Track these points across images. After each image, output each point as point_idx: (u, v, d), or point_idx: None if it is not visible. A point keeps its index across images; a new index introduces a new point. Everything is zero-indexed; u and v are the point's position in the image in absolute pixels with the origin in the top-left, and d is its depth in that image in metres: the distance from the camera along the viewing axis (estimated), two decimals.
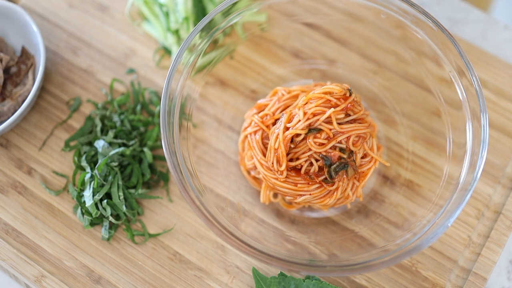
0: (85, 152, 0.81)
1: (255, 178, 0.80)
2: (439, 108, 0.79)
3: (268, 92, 0.83)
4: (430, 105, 0.83)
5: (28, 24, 0.85)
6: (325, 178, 0.71)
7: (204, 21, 0.72)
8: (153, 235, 0.79)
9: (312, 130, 0.70)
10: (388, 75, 0.86)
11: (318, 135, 0.70)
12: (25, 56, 0.86)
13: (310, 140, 0.70)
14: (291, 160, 0.72)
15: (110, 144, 0.81)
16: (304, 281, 0.73)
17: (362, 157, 0.73)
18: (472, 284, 0.76)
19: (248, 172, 0.80)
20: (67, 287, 0.76)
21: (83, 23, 0.92)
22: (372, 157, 0.74)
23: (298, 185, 0.71)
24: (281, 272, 0.74)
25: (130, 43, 0.91)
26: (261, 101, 0.78)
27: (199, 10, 0.89)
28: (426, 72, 0.80)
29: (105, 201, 0.77)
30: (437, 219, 0.68)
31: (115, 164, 0.79)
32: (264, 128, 0.74)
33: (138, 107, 0.85)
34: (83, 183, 0.79)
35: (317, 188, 0.71)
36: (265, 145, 0.74)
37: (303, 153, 0.71)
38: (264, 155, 0.74)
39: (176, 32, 0.88)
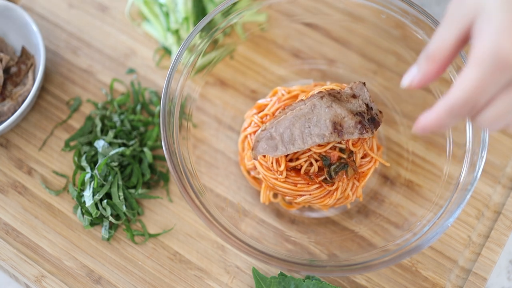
0: (85, 152, 0.82)
1: (255, 178, 0.80)
2: None
3: (268, 92, 0.83)
4: (430, 105, 0.81)
5: (28, 24, 0.85)
6: (325, 178, 0.71)
7: (204, 21, 0.72)
8: (153, 235, 0.79)
9: None
10: (388, 75, 0.86)
11: None
12: (25, 56, 0.86)
13: None
14: (290, 160, 0.72)
15: (110, 144, 0.81)
16: (304, 281, 0.73)
17: (362, 157, 0.73)
18: (472, 284, 0.76)
19: (248, 172, 0.80)
20: (67, 287, 0.76)
21: (83, 23, 0.92)
22: (372, 157, 0.74)
23: (298, 185, 0.71)
24: (281, 272, 0.74)
25: (130, 43, 0.91)
26: (261, 101, 0.78)
27: (199, 10, 0.89)
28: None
29: (105, 201, 0.77)
30: (437, 219, 0.68)
31: (115, 164, 0.79)
32: None
33: (138, 107, 0.85)
34: (83, 183, 0.79)
35: (317, 188, 0.71)
36: None
37: (303, 153, 0.71)
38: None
39: (176, 32, 0.88)
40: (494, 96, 0.52)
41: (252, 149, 0.69)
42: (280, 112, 0.69)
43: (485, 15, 0.50)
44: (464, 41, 0.54)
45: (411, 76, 0.58)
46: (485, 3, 0.51)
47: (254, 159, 0.70)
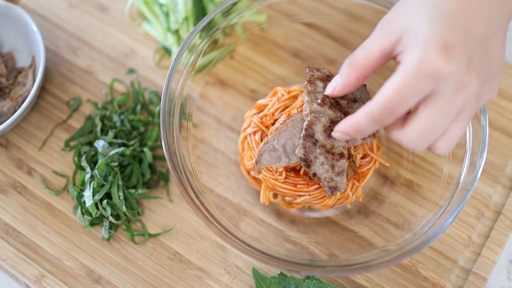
0: (85, 152, 0.82)
1: (255, 178, 0.80)
2: None
3: (268, 92, 0.83)
4: None
5: (28, 24, 0.85)
6: None
7: (204, 21, 0.72)
8: (153, 235, 0.79)
9: None
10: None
11: None
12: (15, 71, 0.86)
13: None
14: None
15: (110, 144, 0.81)
16: (304, 281, 0.73)
17: (362, 158, 0.73)
18: (472, 284, 0.76)
19: (248, 172, 0.81)
20: (67, 287, 0.76)
21: (83, 23, 0.92)
22: (372, 157, 0.74)
23: (298, 186, 0.71)
24: (281, 272, 0.75)
25: (130, 43, 0.91)
26: (261, 101, 0.78)
27: (199, 10, 0.89)
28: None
29: (105, 201, 0.77)
30: (437, 219, 0.68)
31: (115, 164, 0.79)
32: (263, 128, 0.74)
33: (138, 107, 0.85)
34: (83, 183, 0.79)
35: (317, 188, 0.71)
36: None
37: None
38: None
39: (176, 32, 0.88)
40: (416, 108, 0.54)
41: (256, 163, 0.69)
42: (281, 124, 0.69)
43: (413, 31, 0.53)
44: (387, 57, 0.56)
45: (334, 83, 0.61)
46: (413, 22, 0.53)
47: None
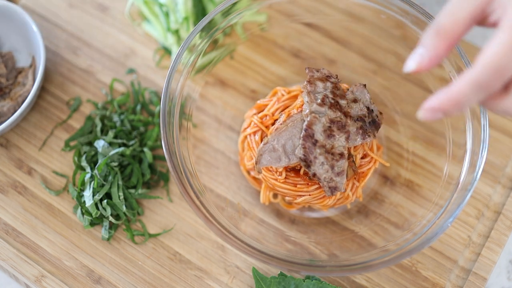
0: (85, 152, 0.82)
1: (255, 178, 0.80)
2: None
3: (268, 92, 0.83)
4: None
5: (28, 24, 0.85)
6: None
7: (204, 21, 0.72)
8: (153, 235, 0.79)
9: None
10: (388, 75, 0.86)
11: None
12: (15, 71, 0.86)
13: None
14: None
15: (110, 144, 0.81)
16: (304, 281, 0.73)
17: (362, 158, 0.73)
18: (472, 284, 0.76)
19: (248, 172, 0.81)
20: (67, 287, 0.76)
21: (83, 23, 0.92)
22: (372, 158, 0.74)
23: (298, 186, 0.71)
24: (281, 272, 0.75)
25: (130, 43, 0.91)
26: (261, 101, 0.78)
27: (199, 10, 0.89)
28: (426, 72, 0.80)
29: (105, 201, 0.77)
30: (437, 219, 0.68)
31: (115, 164, 0.79)
32: (263, 128, 0.74)
33: (138, 107, 0.85)
34: (83, 183, 0.79)
35: (317, 188, 0.71)
36: None
37: None
38: None
39: (176, 32, 0.88)
40: None
41: (256, 163, 0.69)
42: (281, 124, 0.70)
43: None
44: (477, 19, 0.50)
45: (419, 57, 0.51)
46: None
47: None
